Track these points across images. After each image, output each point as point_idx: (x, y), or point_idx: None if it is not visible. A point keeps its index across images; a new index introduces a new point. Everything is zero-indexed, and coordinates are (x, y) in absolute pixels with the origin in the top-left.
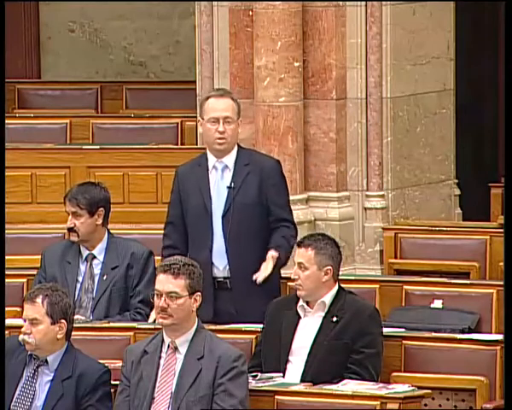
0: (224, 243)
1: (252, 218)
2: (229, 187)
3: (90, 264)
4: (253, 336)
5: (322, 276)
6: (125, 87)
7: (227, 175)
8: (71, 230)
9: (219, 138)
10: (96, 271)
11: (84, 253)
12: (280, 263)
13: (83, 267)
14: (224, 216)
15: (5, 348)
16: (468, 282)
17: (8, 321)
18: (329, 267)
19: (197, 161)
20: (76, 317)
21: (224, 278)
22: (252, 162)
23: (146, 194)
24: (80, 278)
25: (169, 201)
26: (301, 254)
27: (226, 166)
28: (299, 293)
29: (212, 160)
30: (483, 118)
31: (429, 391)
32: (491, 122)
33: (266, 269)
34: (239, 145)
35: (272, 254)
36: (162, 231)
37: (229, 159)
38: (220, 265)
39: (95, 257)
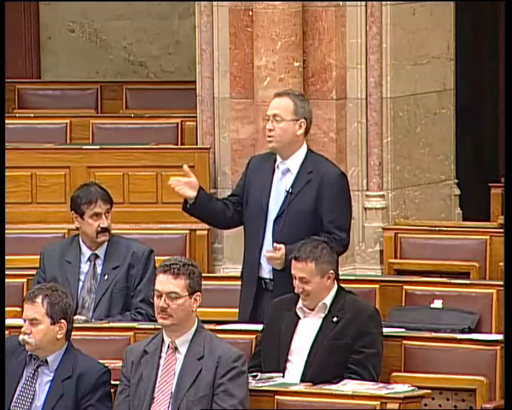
0: (272, 246)
1: (304, 225)
2: (287, 191)
3: (94, 264)
4: (253, 336)
5: (325, 281)
6: (125, 87)
7: (288, 179)
8: (104, 229)
9: (268, 136)
10: (99, 271)
11: (87, 253)
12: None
13: (84, 267)
14: (276, 219)
15: (5, 348)
16: (468, 282)
17: (8, 321)
18: (332, 272)
19: (268, 156)
20: (76, 317)
21: (270, 279)
22: (315, 170)
23: (146, 194)
24: (82, 278)
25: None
26: (301, 269)
27: (288, 170)
28: (305, 303)
29: (278, 159)
30: (483, 118)
31: (429, 391)
32: (491, 122)
33: (274, 253)
34: (310, 150)
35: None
36: (162, 232)
37: (294, 162)
38: (266, 266)
39: (98, 257)
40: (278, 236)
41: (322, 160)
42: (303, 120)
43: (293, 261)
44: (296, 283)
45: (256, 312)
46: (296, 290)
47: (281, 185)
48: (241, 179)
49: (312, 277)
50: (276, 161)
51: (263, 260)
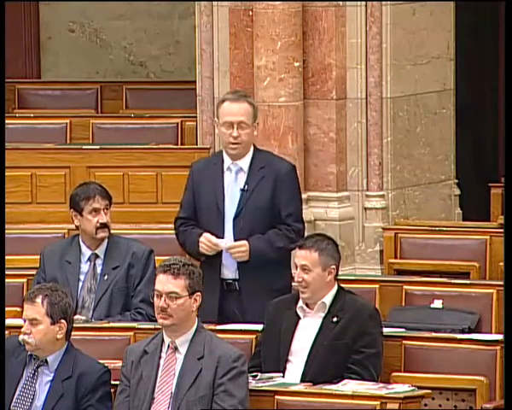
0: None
1: (263, 221)
2: (242, 189)
3: (94, 264)
4: (253, 336)
5: (326, 276)
6: (125, 87)
7: (241, 177)
8: (103, 225)
9: (233, 143)
10: (98, 270)
11: (87, 252)
12: (253, 251)
13: (84, 267)
14: (235, 218)
15: (5, 348)
16: (468, 282)
17: (8, 321)
18: (333, 267)
19: (213, 160)
20: (76, 317)
21: (233, 279)
22: (267, 166)
23: (146, 194)
24: (82, 278)
25: (182, 197)
26: (304, 257)
27: (241, 169)
28: (303, 296)
29: (227, 161)
30: (483, 118)
31: (429, 391)
32: (491, 122)
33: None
34: (255, 147)
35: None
36: (162, 232)
37: (245, 161)
38: (230, 266)
39: (98, 256)
40: (239, 234)
41: (270, 155)
42: (257, 122)
43: (296, 250)
44: (297, 272)
45: (222, 314)
46: (296, 279)
47: (235, 185)
48: (188, 191)
49: (314, 266)
50: (223, 161)
51: (225, 260)
